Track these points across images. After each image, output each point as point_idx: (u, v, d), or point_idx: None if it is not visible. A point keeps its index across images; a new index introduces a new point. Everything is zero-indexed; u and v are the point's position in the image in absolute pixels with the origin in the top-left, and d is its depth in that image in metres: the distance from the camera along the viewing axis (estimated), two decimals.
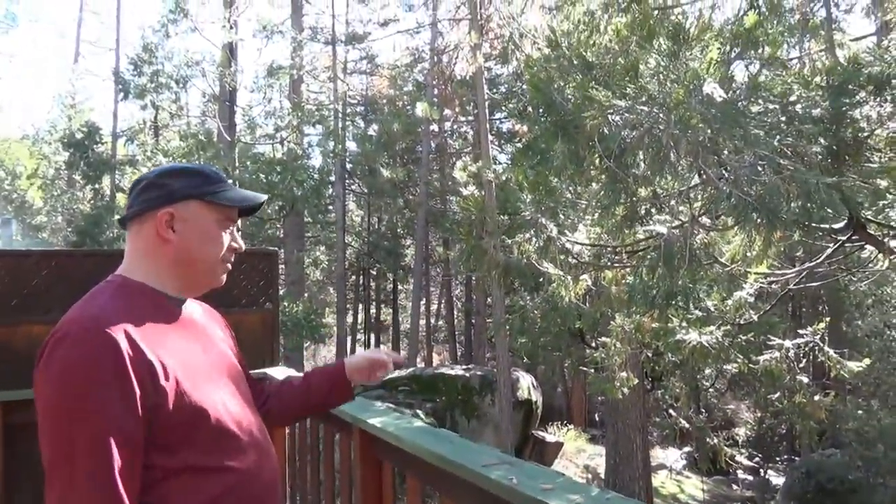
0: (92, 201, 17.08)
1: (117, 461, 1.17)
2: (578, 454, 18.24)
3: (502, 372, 13.29)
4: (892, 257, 5.27)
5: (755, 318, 5.47)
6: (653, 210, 3.73)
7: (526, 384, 16.22)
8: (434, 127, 18.70)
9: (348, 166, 21.70)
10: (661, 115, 2.75)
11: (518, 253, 5.19)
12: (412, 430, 2.18)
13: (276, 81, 14.97)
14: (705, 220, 3.86)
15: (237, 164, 14.19)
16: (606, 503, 1.42)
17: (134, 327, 1.25)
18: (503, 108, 17.10)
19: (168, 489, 1.25)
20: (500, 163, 17.83)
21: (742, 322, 5.56)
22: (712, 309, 5.76)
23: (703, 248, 3.35)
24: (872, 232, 4.57)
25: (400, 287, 26.89)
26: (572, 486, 1.46)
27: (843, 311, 13.28)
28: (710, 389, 19.35)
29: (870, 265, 6.49)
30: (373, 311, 27.22)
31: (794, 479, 14.72)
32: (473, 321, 23.29)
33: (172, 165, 1.56)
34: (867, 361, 5.41)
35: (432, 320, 26.96)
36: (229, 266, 1.50)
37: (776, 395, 5.95)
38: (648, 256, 3.82)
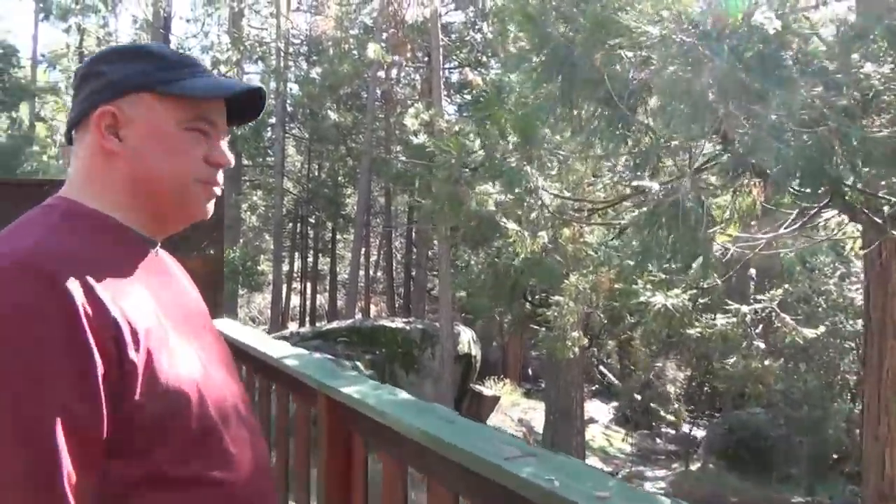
0: (8, 131, 15.74)
1: (64, 457, 0.81)
2: (513, 408, 18.50)
3: (445, 326, 13.16)
4: (855, 230, 5.23)
5: (719, 282, 5.41)
6: (665, 160, 3.47)
7: (467, 338, 16.22)
8: (381, 73, 18.02)
9: (289, 109, 20.77)
10: (704, 48, 2.46)
11: (476, 204, 4.86)
12: (399, 404, 1.87)
13: (214, 11, 13.95)
14: (707, 176, 3.65)
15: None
16: None
17: (91, 271, 0.88)
18: (454, 56, 16.56)
19: None
20: (448, 114, 17.35)
21: (706, 286, 5.50)
22: (675, 271, 5.68)
23: (697, 207, 3.15)
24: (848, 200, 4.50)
25: (339, 237, 26.39)
26: (633, 495, 1.20)
27: (774, 277, 13.69)
28: (643, 348, 19.88)
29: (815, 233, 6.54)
30: (310, 259, 26.65)
31: (716, 435, 15.37)
32: (413, 273, 23.08)
33: (115, 47, 1.15)
34: (821, 329, 5.46)
35: (371, 271, 26.62)
36: (216, 190, 1.08)
37: (732, 359, 5.96)
38: (638, 212, 3.59)
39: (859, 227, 5.73)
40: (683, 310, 5.26)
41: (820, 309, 12.55)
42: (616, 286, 6.12)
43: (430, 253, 21.43)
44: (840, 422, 11.66)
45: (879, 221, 3.88)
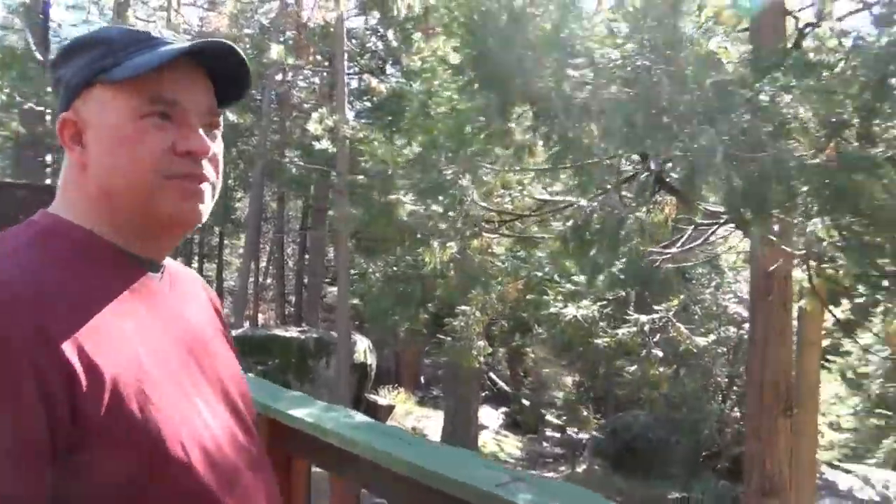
0: None
1: None
2: (407, 416, 18.51)
3: (343, 335, 12.98)
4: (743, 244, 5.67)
5: (623, 293, 5.70)
6: (600, 176, 3.61)
7: (363, 347, 16.09)
8: (278, 76, 17.59)
9: None
10: (662, 72, 2.60)
11: (405, 215, 4.85)
12: (362, 428, 1.77)
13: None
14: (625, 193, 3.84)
15: (49, 90, 12.24)
16: None
17: (50, 303, 0.75)
18: (356, 62, 16.43)
19: None
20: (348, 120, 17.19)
21: (611, 297, 5.78)
22: (583, 283, 5.92)
23: (622, 221, 3.31)
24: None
25: (226, 242, 25.42)
26: None
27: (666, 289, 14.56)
28: (531, 354, 20.51)
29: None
30: (195, 266, 25.46)
31: (600, 438, 16.12)
32: (306, 281, 22.62)
33: (66, 43, 0.98)
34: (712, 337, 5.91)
35: (260, 278, 25.81)
36: (198, 186, 0.89)
37: (633, 367, 6.28)
38: (564, 226, 3.72)
39: (747, 242, 6.24)
40: (592, 320, 5.49)
41: (696, 317, 13.51)
42: (525, 297, 6.30)
43: (324, 260, 21.06)
44: (713, 422, 12.57)
45: (774, 239, 4.25)
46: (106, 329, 0.78)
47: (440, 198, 4.37)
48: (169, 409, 0.79)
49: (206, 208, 0.92)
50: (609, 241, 3.47)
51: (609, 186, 3.56)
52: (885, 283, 4.98)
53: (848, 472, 11.08)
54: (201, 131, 0.90)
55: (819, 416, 8.90)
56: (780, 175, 3.13)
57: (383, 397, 17.77)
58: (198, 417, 0.84)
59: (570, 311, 5.32)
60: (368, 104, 17.26)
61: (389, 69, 16.21)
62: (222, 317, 1.10)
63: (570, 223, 3.68)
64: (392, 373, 21.32)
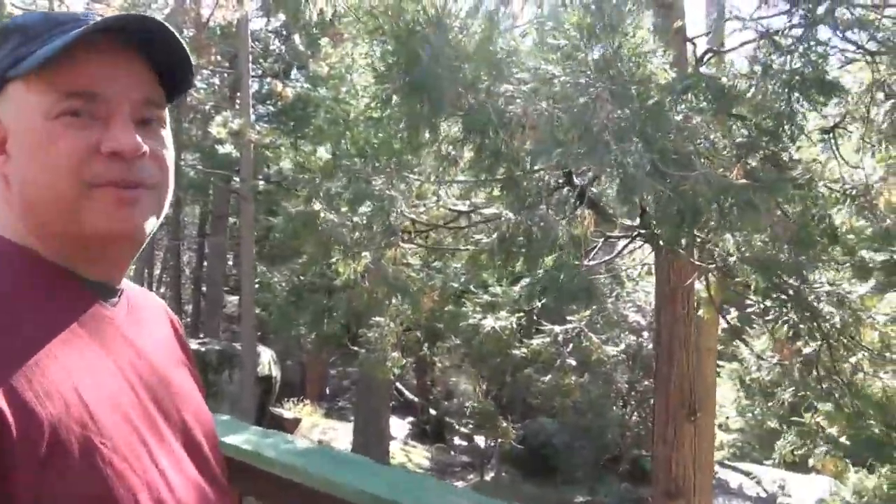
0: None
1: None
2: (313, 429, 18.07)
3: (248, 346, 12.48)
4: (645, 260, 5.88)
5: (539, 304, 5.76)
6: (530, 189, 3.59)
7: (267, 359, 15.57)
8: None
9: None
10: (606, 93, 2.59)
11: (327, 225, 4.66)
12: (310, 455, 1.67)
13: None
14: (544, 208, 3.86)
15: None
16: None
17: None
18: (259, 64, 15.95)
19: None
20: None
21: (528, 308, 5.83)
22: (501, 295, 5.95)
23: (547, 234, 3.31)
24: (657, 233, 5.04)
25: None
26: None
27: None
28: (439, 363, 20.55)
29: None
30: None
31: (508, 446, 16.34)
32: (205, 290, 21.71)
33: None
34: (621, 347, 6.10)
35: (155, 287, 24.56)
36: (127, 192, 0.74)
37: (547, 377, 6.36)
38: (489, 239, 3.69)
39: (652, 254, 6.47)
40: (510, 331, 5.52)
41: (598, 325, 14.00)
42: (443, 308, 6.25)
43: (225, 268, 20.28)
44: (616, 427, 13.02)
45: (682, 252, 4.41)
46: (45, 369, 0.64)
47: (366, 207, 4.24)
48: (124, 468, 0.66)
49: (148, 218, 0.76)
50: (534, 253, 3.47)
51: (532, 199, 3.57)
52: (784, 296, 5.29)
53: (747, 473, 11.75)
54: (133, 129, 0.74)
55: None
56: (695, 193, 3.24)
57: (288, 410, 17.26)
58: (160, 478, 0.70)
59: (489, 322, 5.32)
60: (272, 108, 16.79)
61: (294, 74, 15.85)
62: (186, 346, 0.95)
63: (495, 235, 3.67)
64: (297, 385, 20.78)
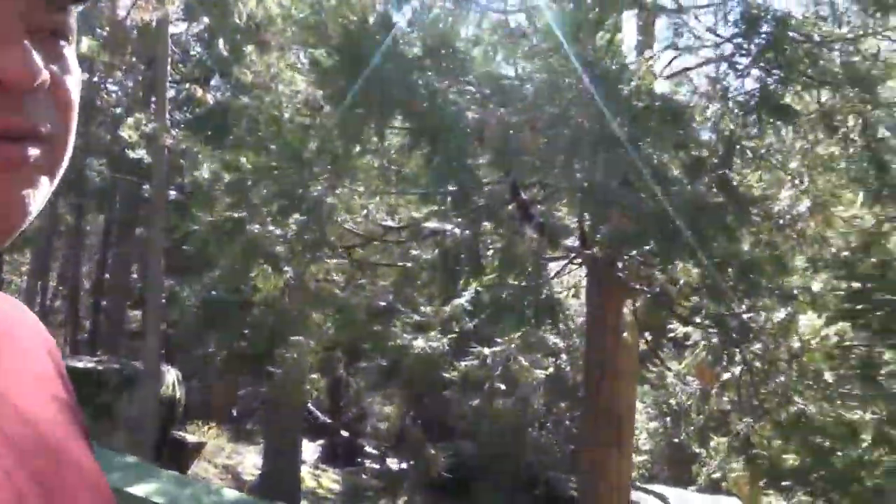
0: None
1: None
2: (218, 454, 17.16)
3: (152, 366, 11.70)
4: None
5: (471, 325, 5.61)
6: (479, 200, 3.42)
7: (171, 379, 14.65)
8: (85, 75, 15.84)
9: None
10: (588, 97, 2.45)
11: (255, 238, 4.33)
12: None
13: None
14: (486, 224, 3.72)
15: None
16: None
17: None
18: (177, 69, 15.27)
19: None
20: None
21: (458, 330, 5.66)
22: (431, 314, 5.75)
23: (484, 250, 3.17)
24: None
25: (6, 258, 22.29)
26: None
27: None
28: (353, 385, 20.07)
29: None
30: None
31: (422, 468, 16.05)
32: (104, 304, 20.42)
33: None
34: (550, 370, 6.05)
35: (48, 301, 22.89)
36: (9, 148, 0.44)
37: (476, 401, 6.21)
38: (433, 254, 3.51)
39: (585, 275, 6.47)
40: (441, 353, 5.34)
41: (514, 346, 14.04)
42: (371, 327, 6.00)
43: (129, 281, 19.16)
44: (533, 450, 13.03)
45: (622, 276, 4.39)
46: None
47: (300, 217, 3.96)
48: None
49: (38, 188, 0.47)
50: (475, 270, 3.33)
51: (478, 215, 3.44)
52: (707, 321, 5.38)
53: (658, 494, 11.97)
54: (27, 43, 0.44)
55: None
56: (641, 216, 3.19)
57: (192, 434, 16.30)
58: None
59: (420, 343, 5.12)
60: (189, 115, 16.10)
61: (216, 80, 15.27)
62: (67, 381, 0.62)
63: (436, 252, 3.50)
64: (203, 406, 19.75)
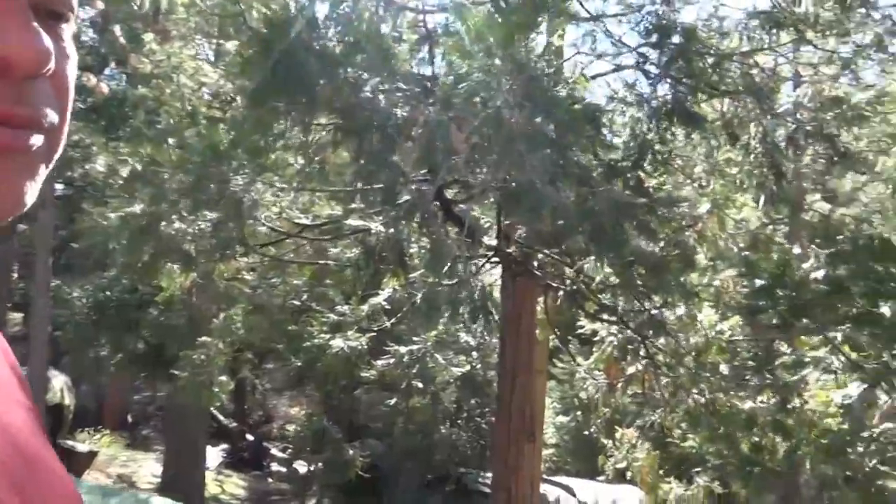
0: None
1: None
2: (112, 462, 16.23)
3: (38, 372, 10.90)
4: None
5: (388, 324, 5.56)
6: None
7: (59, 385, 13.76)
8: None
9: None
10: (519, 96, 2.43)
11: (173, 232, 4.07)
12: None
13: None
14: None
15: None
16: None
17: None
18: None
19: None
20: None
21: (376, 329, 5.60)
22: (349, 314, 5.66)
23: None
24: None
25: None
26: None
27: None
28: (259, 386, 19.54)
29: None
30: None
31: (337, 469, 15.80)
32: None
33: None
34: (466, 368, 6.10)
35: None
36: (10, 135, 0.41)
37: (393, 400, 6.17)
38: (356, 251, 3.45)
39: (500, 276, 6.57)
40: (359, 352, 5.27)
41: (428, 344, 14.08)
42: (285, 327, 5.84)
43: (9, 282, 17.79)
44: (444, 448, 13.13)
45: (539, 274, 4.48)
46: None
47: (215, 213, 3.78)
48: None
49: (35, 180, 0.45)
50: (400, 268, 3.30)
51: (403, 213, 3.41)
52: (613, 318, 5.59)
53: (564, 486, 12.32)
54: (36, 25, 0.41)
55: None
56: (557, 216, 3.27)
57: (82, 443, 15.33)
58: None
59: (338, 342, 5.02)
60: (81, 105, 15.14)
61: (110, 69, 14.43)
62: (28, 390, 0.58)
63: (359, 249, 3.44)
64: (94, 413, 18.63)
